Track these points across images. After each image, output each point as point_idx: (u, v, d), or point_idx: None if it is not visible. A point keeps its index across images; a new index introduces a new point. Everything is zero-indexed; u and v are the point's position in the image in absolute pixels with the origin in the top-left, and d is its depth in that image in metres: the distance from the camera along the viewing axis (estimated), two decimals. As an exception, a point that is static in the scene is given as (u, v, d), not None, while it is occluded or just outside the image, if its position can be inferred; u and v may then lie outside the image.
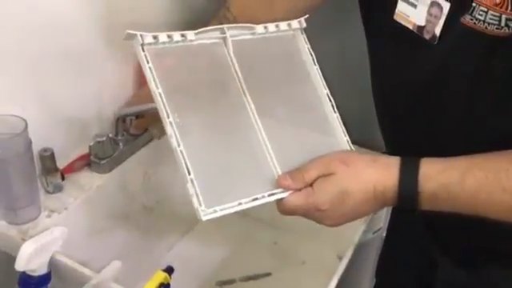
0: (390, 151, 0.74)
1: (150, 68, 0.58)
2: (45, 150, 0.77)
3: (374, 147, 0.84)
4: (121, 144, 0.85)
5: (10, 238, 0.71)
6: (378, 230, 1.00)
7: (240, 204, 0.57)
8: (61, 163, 0.80)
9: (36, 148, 0.76)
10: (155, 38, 0.60)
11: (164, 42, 0.61)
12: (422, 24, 0.59)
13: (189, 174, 0.55)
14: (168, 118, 0.57)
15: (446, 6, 0.56)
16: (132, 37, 0.59)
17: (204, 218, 0.54)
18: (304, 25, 0.71)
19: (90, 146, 0.82)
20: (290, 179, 0.60)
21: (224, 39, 0.65)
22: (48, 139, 0.78)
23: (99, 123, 0.86)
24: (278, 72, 0.68)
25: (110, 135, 0.84)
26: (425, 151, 0.60)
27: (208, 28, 0.64)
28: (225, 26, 0.65)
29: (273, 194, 0.59)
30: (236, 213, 1.00)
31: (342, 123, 0.67)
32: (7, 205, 0.71)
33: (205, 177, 0.56)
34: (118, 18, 0.83)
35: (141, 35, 0.59)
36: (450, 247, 0.74)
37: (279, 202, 0.60)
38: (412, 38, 0.60)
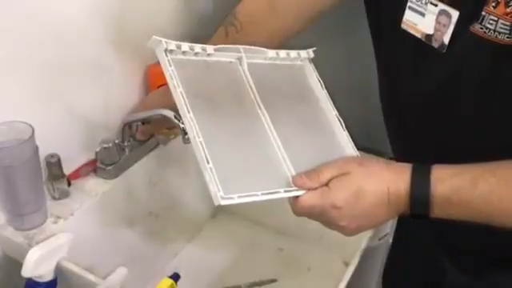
0: (399, 161, 0.73)
1: (172, 71, 0.61)
2: (51, 156, 0.77)
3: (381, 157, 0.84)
4: (127, 150, 0.85)
5: (17, 244, 0.71)
6: (385, 235, 1.00)
7: (257, 195, 0.58)
8: (67, 169, 0.81)
9: (43, 154, 0.76)
10: (178, 46, 0.63)
11: (185, 52, 0.64)
12: (431, 32, 0.58)
13: (208, 162, 0.56)
14: (189, 113, 0.59)
15: (455, 15, 0.55)
16: (157, 42, 0.62)
17: (222, 203, 0.55)
18: (312, 55, 0.75)
19: (96, 152, 0.83)
20: (306, 178, 0.60)
21: (239, 59, 0.69)
22: (55, 145, 0.78)
23: (106, 129, 0.86)
24: (288, 93, 0.71)
25: (117, 141, 0.84)
26: (434, 161, 0.59)
27: (226, 46, 0.68)
28: (241, 46, 0.68)
29: (289, 191, 0.60)
30: (242, 219, 1.01)
31: (351, 140, 0.68)
32: (14, 211, 0.72)
33: (223, 168, 0.57)
34: (126, 27, 0.84)
35: (165, 41, 0.62)
36: (459, 255, 0.74)
37: (294, 201, 0.60)
38: (420, 46, 0.60)
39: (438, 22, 0.57)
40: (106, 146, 0.82)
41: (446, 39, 0.57)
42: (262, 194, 0.58)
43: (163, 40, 0.62)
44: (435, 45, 0.58)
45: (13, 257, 0.73)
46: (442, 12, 0.57)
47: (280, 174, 0.62)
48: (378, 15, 0.66)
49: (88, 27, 0.78)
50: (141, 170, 0.88)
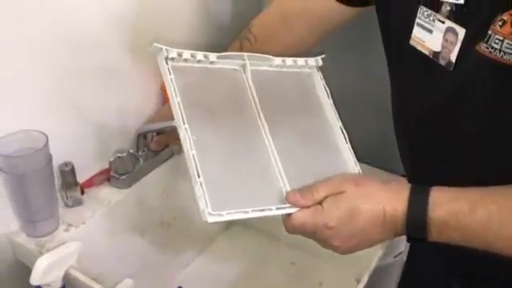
0: (408, 175, 0.72)
1: (171, 79, 0.61)
2: (65, 164, 0.78)
3: (392, 171, 0.83)
4: (141, 160, 0.87)
5: (28, 250, 0.73)
6: (399, 254, 0.98)
7: (247, 212, 0.57)
8: (82, 177, 0.82)
9: (57, 162, 0.78)
10: (179, 54, 0.63)
11: (187, 60, 0.64)
12: (438, 50, 0.57)
13: (198, 176, 0.56)
14: (184, 124, 0.59)
15: (462, 32, 0.54)
16: (158, 50, 0.62)
17: (209, 220, 0.55)
18: (320, 63, 0.73)
19: (110, 162, 0.84)
20: (299, 195, 0.59)
21: (243, 66, 0.68)
22: (69, 153, 0.79)
23: (121, 138, 0.87)
24: (292, 103, 0.70)
25: (131, 151, 0.85)
26: (441, 177, 0.58)
27: (230, 53, 0.67)
28: (245, 54, 0.68)
29: (281, 208, 0.60)
30: (255, 231, 1.00)
31: (353, 154, 0.68)
32: (27, 217, 0.73)
33: (214, 182, 0.57)
34: (144, 37, 0.85)
35: (166, 49, 0.62)
36: (470, 280, 0.72)
37: (287, 218, 0.60)
38: (428, 63, 0.59)
39: (445, 39, 0.56)
40: (120, 155, 0.84)
41: (453, 57, 0.56)
42: (253, 211, 0.57)
43: (164, 47, 0.62)
44: (442, 62, 0.57)
45: (24, 262, 0.75)
46: (449, 29, 0.56)
47: (275, 189, 0.61)
48: (389, 30, 0.66)
49: (107, 36, 0.79)
50: (154, 180, 0.88)
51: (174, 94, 0.60)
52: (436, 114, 0.61)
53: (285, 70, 0.71)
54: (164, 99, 0.93)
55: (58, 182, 0.79)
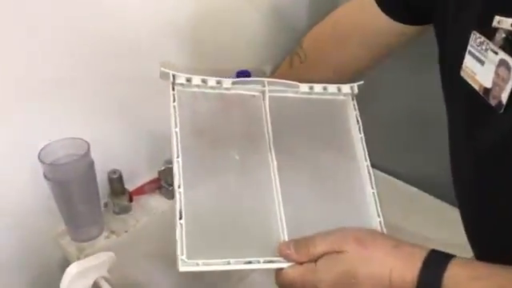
0: (460, 214, 0.61)
1: (174, 107, 0.58)
2: (114, 171, 0.79)
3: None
4: (192, 171, 0.85)
5: (69, 253, 0.76)
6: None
7: (228, 263, 0.52)
8: (134, 184, 0.83)
9: (107, 169, 0.79)
10: (188, 80, 0.59)
11: (198, 86, 0.60)
12: (489, 86, 0.47)
13: (180, 218, 0.52)
14: (177, 157, 0.55)
15: (516, 68, 0.44)
16: (166, 75, 0.59)
17: (181, 269, 0.51)
18: (356, 91, 0.64)
19: (159, 171, 0.84)
20: (294, 249, 0.53)
21: (263, 93, 0.62)
22: (121, 161, 0.81)
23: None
24: (314, 135, 0.62)
25: (182, 161, 0.84)
26: (485, 223, 0.51)
27: (247, 79, 0.62)
28: (266, 79, 0.62)
29: (271, 262, 0.53)
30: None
31: (378, 201, 0.59)
32: (70, 222, 0.76)
33: (198, 225, 0.52)
34: (198, 41, 0.83)
35: (173, 75, 0.59)
36: None
37: (278, 271, 0.54)
38: (477, 99, 0.48)
39: (496, 74, 0.45)
40: (170, 165, 0.83)
41: (505, 98, 0.45)
42: (236, 263, 0.52)
43: (171, 72, 0.58)
44: (493, 102, 0.46)
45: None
46: (501, 62, 0.45)
47: (269, 237, 0.55)
48: (444, 57, 0.56)
49: (157, 44, 0.78)
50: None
51: (173, 123, 0.57)
52: (484, 157, 0.50)
53: (314, 96, 0.63)
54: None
55: (107, 189, 0.80)
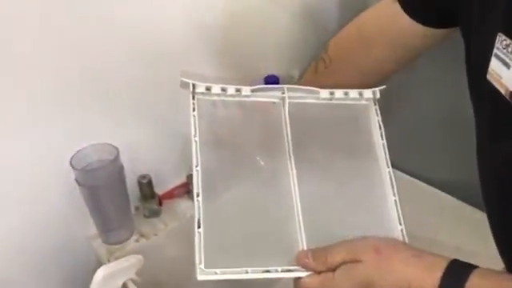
0: (488, 222, 0.59)
1: (194, 116, 0.58)
2: (143, 176, 0.81)
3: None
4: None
5: (100, 256, 0.77)
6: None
7: (247, 272, 0.52)
8: (164, 188, 0.84)
9: (138, 173, 0.81)
10: (208, 89, 0.60)
11: (218, 94, 0.60)
12: (515, 90, 0.45)
13: (198, 226, 0.53)
14: (196, 166, 0.55)
15: (542, 72, 0.42)
16: (186, 84, 0.59)
17: (199, 278, 0.51)
18: (378, 95, 0.63)
19: (187, 176, 0.85)
20: (312, 258, 0.52)
21: (283, 100, 0.62)
22: (151, 165, 0.82)
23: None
24: (335, 142, 0.61)
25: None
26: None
27: (267, 86, 0.62)
28: (286, 86, 0.61)
29: (289, 271, 0.53)
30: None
31: (399, 208, 0.57)
32: (100, 226, 0.77)
33: (217, 234, 0.53)
34: (232, 45, 0.83)
35: (193, 84, 0.59)
36: None
37: (296, 280, 0.53)
38: (504, 102, 0.47)
39: (523, 78, 0.44)
40: (197, 169, 0.84)
41: (531, 102, 0.43)
42: (254, 272, 0.52)
43: (191, 82, 0.59)
44: (518, 107, 0.45)
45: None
46: (528, 66, 0.43)
47: (288, 246, 0.54)
48: (469, 58, 0.54)
49: (190, 49, 0.79)
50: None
51: (193, 132, 0.57)
52: (506, 166, 0.48)
53: (334, 102, 0.63)
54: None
55: (137, 193, 0.82)
